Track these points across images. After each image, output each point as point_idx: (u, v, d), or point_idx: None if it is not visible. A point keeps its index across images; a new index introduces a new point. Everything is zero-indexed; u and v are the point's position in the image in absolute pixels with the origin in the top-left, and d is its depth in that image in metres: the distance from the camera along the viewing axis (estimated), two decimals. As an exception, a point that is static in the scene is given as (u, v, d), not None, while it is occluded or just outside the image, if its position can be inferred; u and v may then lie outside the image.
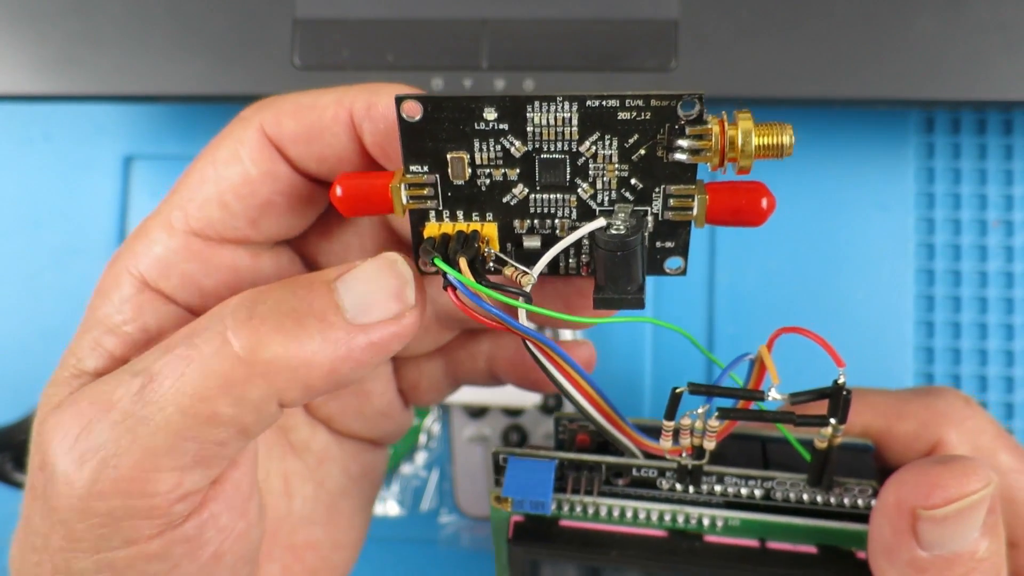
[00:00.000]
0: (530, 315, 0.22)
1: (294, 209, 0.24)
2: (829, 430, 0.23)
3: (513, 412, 0.43)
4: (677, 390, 0.22)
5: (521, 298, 0.21)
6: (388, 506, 0.43)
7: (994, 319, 0.41)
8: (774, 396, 0.21)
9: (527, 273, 0.21)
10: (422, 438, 0.43)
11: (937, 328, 0.41)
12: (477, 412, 0.43)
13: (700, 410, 0.23)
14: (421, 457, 0.43)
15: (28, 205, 0.45)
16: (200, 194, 0.23)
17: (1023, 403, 0.40)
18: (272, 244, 0.26)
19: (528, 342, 0.22)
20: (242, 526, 0.23)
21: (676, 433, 0.23)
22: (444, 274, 0.21)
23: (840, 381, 0.22)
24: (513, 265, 0.22)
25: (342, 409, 0.29)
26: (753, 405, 0.23)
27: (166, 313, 0.24)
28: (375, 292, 0.21)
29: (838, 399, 0.22)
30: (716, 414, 0.22)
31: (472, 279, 0.21)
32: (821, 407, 0.23)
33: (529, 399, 0.42)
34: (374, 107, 0.23)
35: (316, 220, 0.26)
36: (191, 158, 0.25)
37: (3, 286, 0.44)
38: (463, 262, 0.21)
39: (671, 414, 0.23)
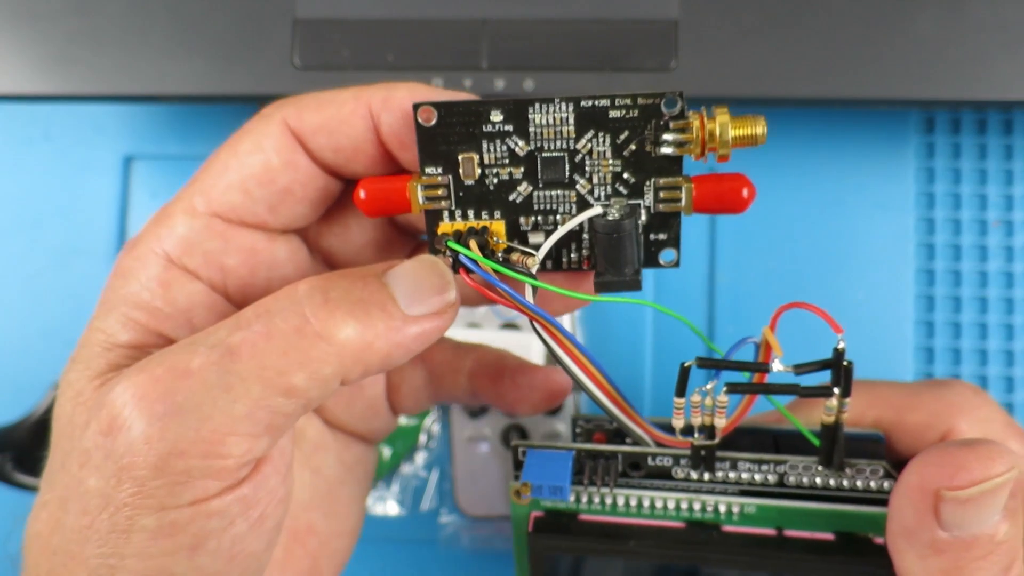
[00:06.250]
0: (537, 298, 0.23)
1: (309, 198, 0.26)
2: (834, 401, 0.23)
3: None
4: (685, 364, 0.23)
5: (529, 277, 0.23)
6: (388, 506, 0.43)
7: (994, 319, 0.41)
8: (779, 367, 0.22)
9: (532, 255, 0.23)
10: (422, 438, 0.43)
11: (937, 328, 0.41)
12: (477, 412, 0.43)
13: (708, 386, 0.24)
14: (421, 457, 0.43)
15: (28, 205, 0.45)
16: (223, 181, 0.25)
17: (1023, 403, 0.41)
18: (285, 231, 0.27)
19: (535, 322, 0.23)
20: (283, 492, 0.24)
21: (687, 412, 0.24)
22: (456, 255, 0.23)
23: (839, 347, 0.23)
24: (519, 250, 0.24)
25: (335, 400, 0.30)
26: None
27: (192, 289, 0.25)
28: (422, 288, 0.23)
29: (839, 368, 0.23)
30: (724, 389, 0.23)
31: (482, 257, 0.23)
32: (826, 380, 0.23)
33: (529, 399, 0.42)
34: (391, 100, 0.24)
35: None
36: (191, 158, 0.25)
37: (3, 286, 0.44)
38: (474, 243, 0.23)
39: (681, 390, 0.23)
